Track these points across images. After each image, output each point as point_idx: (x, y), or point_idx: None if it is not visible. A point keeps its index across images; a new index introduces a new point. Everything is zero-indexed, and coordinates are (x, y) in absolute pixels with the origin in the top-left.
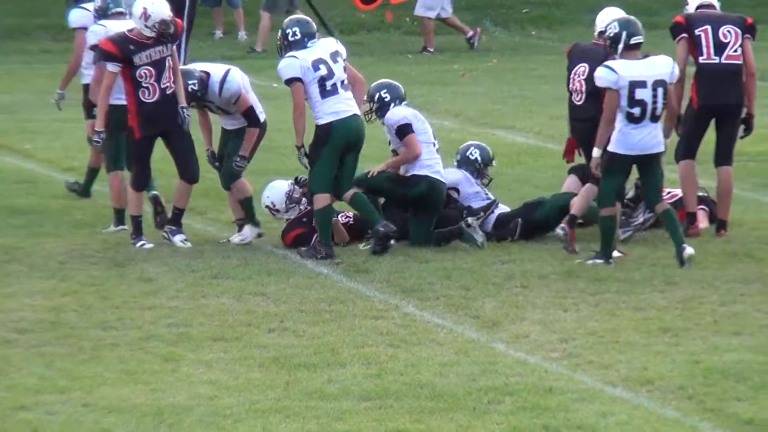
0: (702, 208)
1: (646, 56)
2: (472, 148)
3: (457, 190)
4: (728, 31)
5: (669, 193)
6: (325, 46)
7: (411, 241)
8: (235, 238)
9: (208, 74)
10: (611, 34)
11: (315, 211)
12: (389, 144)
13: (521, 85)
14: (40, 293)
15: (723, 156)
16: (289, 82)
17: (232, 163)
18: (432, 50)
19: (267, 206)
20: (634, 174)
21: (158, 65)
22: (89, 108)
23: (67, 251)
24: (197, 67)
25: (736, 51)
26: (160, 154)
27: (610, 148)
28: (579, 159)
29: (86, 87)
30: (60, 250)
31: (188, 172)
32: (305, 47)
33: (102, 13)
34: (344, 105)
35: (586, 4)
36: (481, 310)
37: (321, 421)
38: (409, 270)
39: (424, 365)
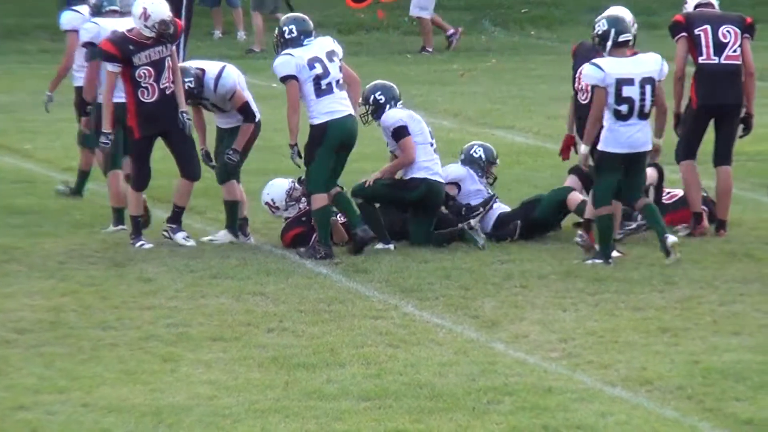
0: (702, 208)
1: (634, 54)
2: (476, 147)
3: (458, 186)
4: (728, 31)
5: (669, 193)
6: (321, 45)
7: (411, 241)
8: (210, 237)
9: (203, 71)
10: (600, 32)
11: (313, 211)
12: (387, 145)
13: (520, 84)
14: (39, 293)
15: (722, 156)
16: (284, 79)
17: (225, 157)
18: (431, 50)
19: (267, 203)
20: None
21: (157, 65)
22: (81, 108)
23: (66, 251)
24: (192, 64)
25: (735, 51)
26: (161, 153)
27: (600, 147)
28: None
29: (78, 89)
30: (59, 250)
31: (189, 170)
32: (301, 45)
33: (96, 11)
34: (339, 105)
35: (585, 4)
36: (481, 310)
37: (320, 421)
38: (408, 270)
39: (424, 365)
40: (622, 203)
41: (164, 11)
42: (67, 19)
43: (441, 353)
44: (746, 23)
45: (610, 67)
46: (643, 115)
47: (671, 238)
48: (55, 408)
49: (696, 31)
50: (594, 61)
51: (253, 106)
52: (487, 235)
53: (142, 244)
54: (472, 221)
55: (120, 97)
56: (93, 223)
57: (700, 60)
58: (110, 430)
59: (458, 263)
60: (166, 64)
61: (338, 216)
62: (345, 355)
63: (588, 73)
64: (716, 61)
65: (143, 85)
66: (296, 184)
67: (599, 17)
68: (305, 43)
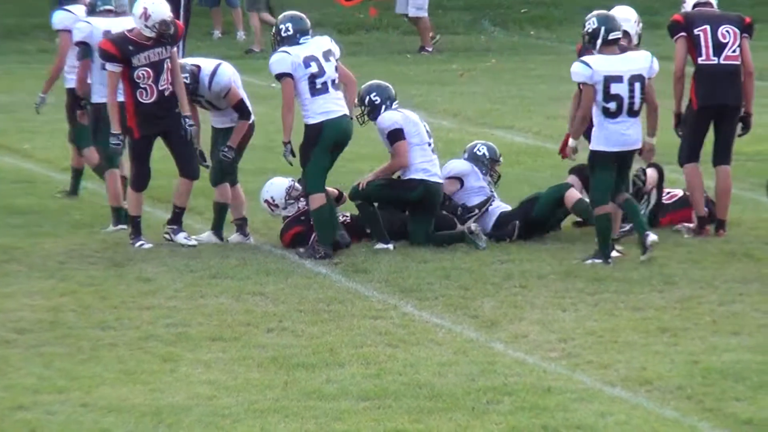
0: (705, 211)
1: (624, 51)
2: (479, 145)
3: (461, 182)
4: (727, 31)
5: (668, 193)
6: (318, 44)
7: (411, 240)
8: (195, 238)
9: (199, 68)
10: (589, 30)
11: (311, 211)
12: (384, 144)
13: (520, 84)
14: (38, 293)
15: (721, 155)
16: (279, 77)
17: (219, 154)
18: (430, 50)
19: (266, 200)
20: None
21: (156, 67)
22: (72, 110)
23: (65, 251)
24: (189, 61)
25: (734, 51)
26: (160, 153)
27: (592, 147)
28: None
29: (69, 91)
30: (59, 250)
31: (188, 169)
32: (297, 43)
33: (91, 9)
34: (334, 105)
35: (585, 4)
36: (480, 310)
37: (319, 421)
38: (407, 270)
39: (423, 365)
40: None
41: (165, 11)
42: (59, 18)
43: (440, 353)
44: (745, 23)
45: (598, 65)
46: (632, 113)
47: (651, 237)
48: (55, 408)
49: (695, 31)
50: (582, 58)
51: (249, 106)
52: (486, 235)
53: (142, 244)
54: (472, 226)
55: (118, 97)
56: (93, 223)
57: (700, 60)
58: (110, 430)
59: (458, 263)
60: (165, 66)
61: (338, 215)
62: (344, 355)
63: (576, 70)
64: (715, 62)
65: (142, 86)
66: (296, 183)
67: (589, 15)
68: (301, 41)
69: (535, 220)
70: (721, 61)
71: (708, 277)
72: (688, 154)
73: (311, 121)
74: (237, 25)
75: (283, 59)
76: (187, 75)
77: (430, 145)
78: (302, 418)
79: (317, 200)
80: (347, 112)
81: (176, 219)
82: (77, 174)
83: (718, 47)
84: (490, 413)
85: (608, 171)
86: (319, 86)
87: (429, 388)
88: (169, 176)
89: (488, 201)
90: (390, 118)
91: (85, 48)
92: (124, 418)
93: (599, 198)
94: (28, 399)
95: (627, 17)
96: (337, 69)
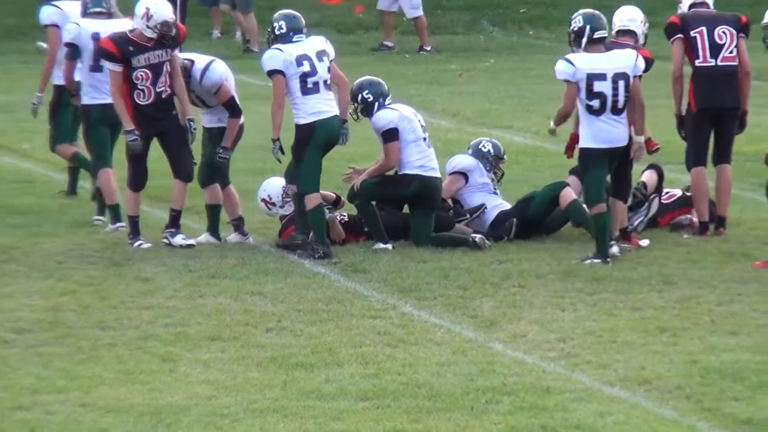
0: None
1: (609, 50)
2: (483, 142)
3: (466, 177)
4: (723, 32)
5: (668, 193)
6: (312, 44)
7: (413, 238)
8: (198, 239)
9: (192, 62)
10: (575, 28)
11: (308, 211)
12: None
13: (519, 84)
14: (38, 293)
15: (721, 155)
16: (271, 74)
17: (216, 157)
18: (429, 49)
19: (263, 199)
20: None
21: (155, 69)
22: (55, 109)
23: (65, 251)
24: (183, 56)
25: (731, 52)
26: (158, 153)
27: (581, 145)
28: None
29: (57, 87)
30: (58, 250)
31: (183, 170)
32: (291, 42)
33: (83, 10)
34: (326, 105)
35: (584, 4)
36: (479, 310)
37: (318, 421)
38: (406, 270)
39: (422, 365)
40: (640, 212)
41: (167, 12)
42: (46, 14)
43: (439, 353)
44: (741, 23)
45: (581, 63)
46: (616, 111)
47: (614, 249)
48: (54, 408)
49: (692, 33)
50: (566, 56)
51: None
52: (484, 234)
53: (141, 244)
54: (477, 237)
55: (105, 98)
56: (91, 222)
57: (697, 63)
58: (109, 430)
59: (456, 263)
60: (165, 69)
61: (336, 214)
62: (343, 354)
63: (559, 68)
64: (713, 64)
65: (140, 87)
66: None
67: (575, 14)
68: (294, 39)
69: (532, 218)
70: (719, 63)
71: (707, 277)
72: (695, 159)
73: (302, 121)
74: (235, 25)
75: (275, 56)
76: (180, 69)
77: (425, 140)
78: (301, 418)
79: (313, 200)
80: (338, 113)
81: (173, 222)
82: (73, 172)
83: (715, 49)
84: (489, 413)
85: (600, 169)
86: (310, 85)
87: (428, 388)
88: (167, 176)
89: (480, 208)
90: (385, 117)
91: (73, 50)
92: (123, 418)
93: (594, 197)
94: (27, 399)
95: (633, 17)
96: (330, 70)
